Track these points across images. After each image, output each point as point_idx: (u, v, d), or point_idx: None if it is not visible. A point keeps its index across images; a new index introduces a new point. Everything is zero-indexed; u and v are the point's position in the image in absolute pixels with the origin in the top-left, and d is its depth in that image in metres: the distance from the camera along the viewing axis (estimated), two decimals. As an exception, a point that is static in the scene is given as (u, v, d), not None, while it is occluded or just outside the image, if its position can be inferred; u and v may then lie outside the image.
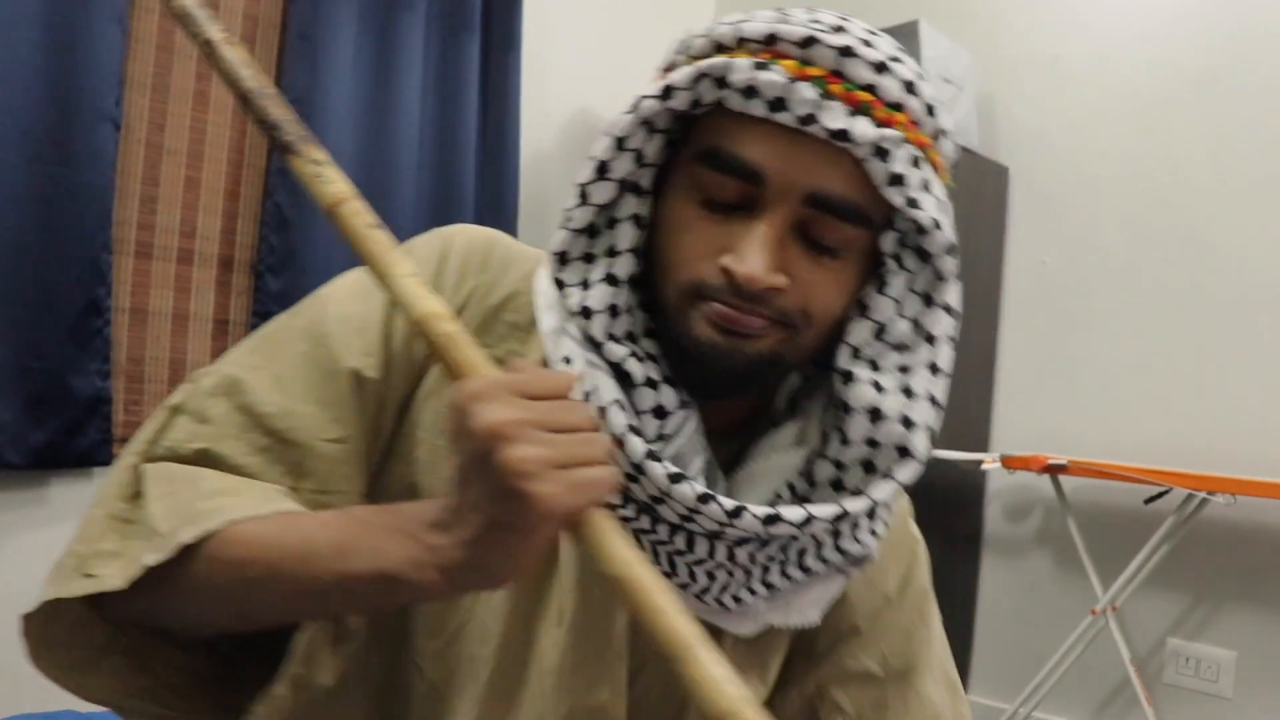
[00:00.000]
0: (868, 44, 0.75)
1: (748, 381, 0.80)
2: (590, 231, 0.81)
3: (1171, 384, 3.08)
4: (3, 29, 2.44)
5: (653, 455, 0.76)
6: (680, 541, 0.79)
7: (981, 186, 3.34)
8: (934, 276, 0.80)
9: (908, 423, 0.79)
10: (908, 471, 0.80)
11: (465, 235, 0.89)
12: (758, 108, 0.73)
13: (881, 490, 0.80)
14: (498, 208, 3.37)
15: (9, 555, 2.40)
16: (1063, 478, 3.00)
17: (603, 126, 0.79)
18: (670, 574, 0.81)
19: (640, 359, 0.79)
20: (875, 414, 0.79)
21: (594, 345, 0.80)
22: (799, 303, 0.77)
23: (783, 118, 0.73)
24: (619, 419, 0.76)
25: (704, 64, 0.75)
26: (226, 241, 2.91)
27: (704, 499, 0.75)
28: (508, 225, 3.37)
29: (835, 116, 0.73)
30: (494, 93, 3.39)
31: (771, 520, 0.77)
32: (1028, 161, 3.40)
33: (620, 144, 0.79)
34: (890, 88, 0.74)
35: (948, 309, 0.81)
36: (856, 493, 0.80)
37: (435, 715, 0.85)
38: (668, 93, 0.76)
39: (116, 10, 2.60)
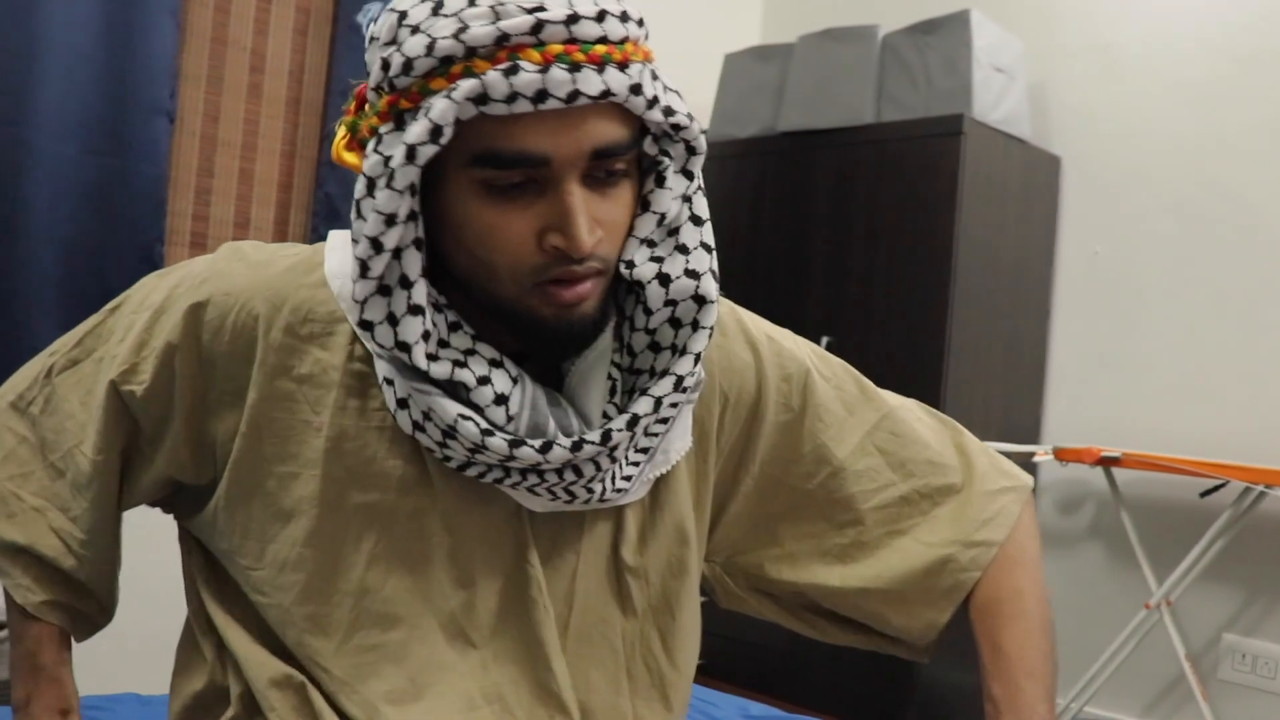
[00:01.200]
0: None
1: (594, 336, 0.87)
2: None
3: (1228, 374, 3.03)
4: (61, 24, 2.48)
5: (515, 443, 0.84)
6: (570, 475, 0.87)
7: (1033, 176, 3.30)
8: (687, 152, 0.88)
9: (692, 274, 0.88)
10: (709, 315, 0.89)
11: (221, 297, 0.92)
12: (523, 106, 0.76)
13: (697, 342, 0.89)
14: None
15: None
16: (1116, 470, 2.96)
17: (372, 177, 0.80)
18: (570, 500, 0.90)
19: (463, 364, 0.84)
20: (664, 279, 0.87)
21: (416, 371, 0.83)
22: (610, 242, 0.84)
23: (549, 105, 0.76)
24: (471, 429, 0.83)
25: (460, 94, 0.75)
26: (279, 232, 2.95)
27: (576, 446, 0.85)
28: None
29: (591, 82, 0.77)
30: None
31: (633, 422, 0.87)
32: (1080, 150, 3.36)
33: (402, 193, 0.79)
34: (614, 29, 0.79)
35: (699, 171, 0.90)
36: (674, 350, 0.89)
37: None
38: (437, 133, 0.76)
39: (170, 4, 2.63)
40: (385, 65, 0.79)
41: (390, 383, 0.86)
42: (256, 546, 0.92)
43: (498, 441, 0.83)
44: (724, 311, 1.07)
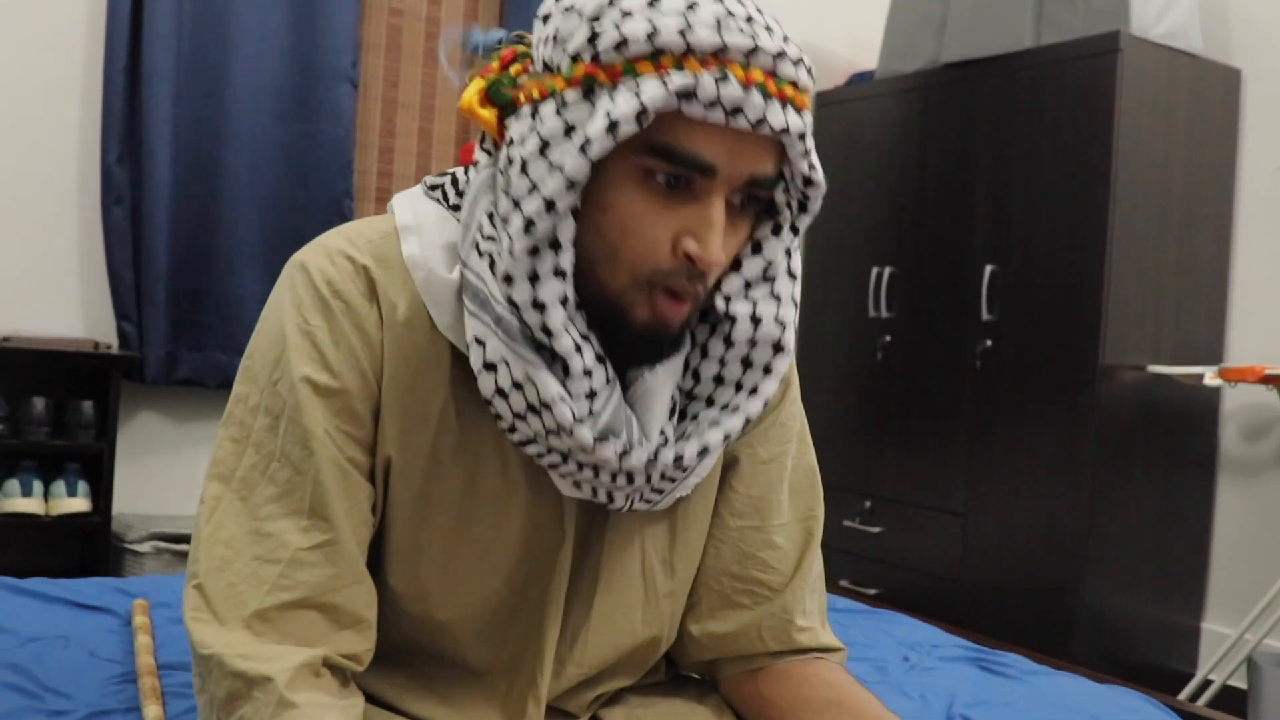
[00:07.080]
0: (785, 39, 0.85)
1: (670, 353, 0.90)
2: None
3: None
4: (253, 6, 2.73)
5: (601, 436, 0.86)
6: (622, 480, 0.90)
7: (1207, 91, 3.19)
8: (800, 209, 0.91)
9: (781, 324, 0.92)
10: (783, 363, 0.93)
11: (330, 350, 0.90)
12: (717, 116, 0.80)
13: (770, 385, 0.93)
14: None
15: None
16: (1297, 391, 2.88)
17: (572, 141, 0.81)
18: (609, 501, 0.93)
19: (579, 348, 0.85)
20: (756, 320, 0.91)
21: (526, 334, 0.85)
22: (719, 272, 0.88)
23: (738, 123, 0.81)
24: (565, 413, 0.84)
25: (675, 86, 0.79)
26: (456, 186, 3.13)
27: (651, 461, 0.88)
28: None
29: (777, 115, 0.82)
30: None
31: (703, 452, 0.91)
32: (1264, 62, 3.23)
33: (591, 162, 0.81)
34: (804, 78, 0.84)
35: (803, 230, 0.93)
36: (737, 388, 0.93)
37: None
38: (643, 115, 0.79)
39: (351, -19, 2.85)
40: (593, 36, 0.81)
41: (482, 344, 0.86)
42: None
43: (584, 432, 0.85)
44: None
